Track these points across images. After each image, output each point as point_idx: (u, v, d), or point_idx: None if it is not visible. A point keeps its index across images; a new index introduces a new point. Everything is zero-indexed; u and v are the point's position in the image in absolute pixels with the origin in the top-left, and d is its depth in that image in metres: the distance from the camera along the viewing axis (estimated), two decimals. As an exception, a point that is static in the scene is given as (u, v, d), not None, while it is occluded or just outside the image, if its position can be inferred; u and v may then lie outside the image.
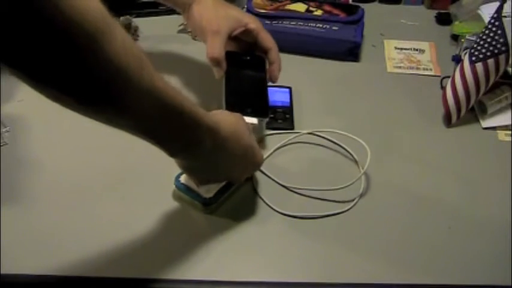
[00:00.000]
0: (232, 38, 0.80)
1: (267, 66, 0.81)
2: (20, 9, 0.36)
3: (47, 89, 0.44)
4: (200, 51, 0.93)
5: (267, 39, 0.81)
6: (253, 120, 0.75)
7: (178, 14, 1.04)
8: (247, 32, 0.80)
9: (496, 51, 0.81)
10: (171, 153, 0.59)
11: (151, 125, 0.53)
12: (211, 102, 0.85)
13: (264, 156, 0.78)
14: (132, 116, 0.50)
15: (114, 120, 0.51)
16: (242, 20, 0.80)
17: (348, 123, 0.83)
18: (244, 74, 0.80)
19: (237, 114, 0.67)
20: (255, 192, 0.73)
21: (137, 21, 0.98)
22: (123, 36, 0.44)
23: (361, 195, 0.74)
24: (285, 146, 0.80)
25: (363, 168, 0.74)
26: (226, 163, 0.65)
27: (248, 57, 0.82)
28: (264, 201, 0.72)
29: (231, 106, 0.74)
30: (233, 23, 0.79)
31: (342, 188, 0.73)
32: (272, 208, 0.71)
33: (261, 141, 0.80)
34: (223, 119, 0.62)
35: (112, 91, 0.45)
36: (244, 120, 0.68)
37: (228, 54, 0.78)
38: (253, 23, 0.80)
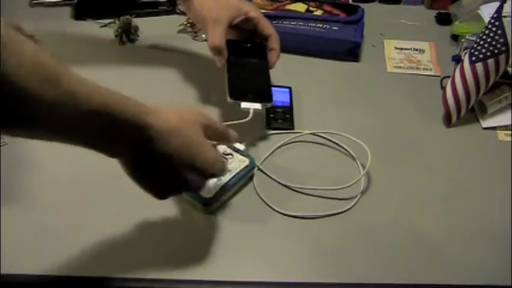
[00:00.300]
0: (232, 26, 0.80)
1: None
2: None
3: None
4: (200, 51, 0.93)
5: (267, 27, 0.82)
6: (257, 105, 0.76)
7: (178, 14, 1.04)
8: (248, 20, 0.81)
9: (496, 51, 0.81)
10: (111, 154, 0.56)
11: (82, 131, 0.51)
12: (211, 102, 0.85)
13: (264, 156, 0.78)
14: (58, 127, 0.49)
15: (37, 136, 0.51)
16: (242, 8, 0.80)
17: (348, 123, 0.83)
18: (246, 62, 0.81)
19: (190, 111, 0.61)
20: (255, 192, 0.73)
21: (137, 21, 0.98)
22: (31, 52, 0.44)
23: (361, 195, 0.74)
24: (284, 145, 0.80)
25: (364, 169, 0.74)
26: (165, 162, 0.57)
27: (249, 45, 0.82)
28: (264, 201, 0.72)
29: (234, 93, 0.76)
30: (233, 11, 0.79)
31: (343, 188, 0.73)
32: (272, 208, 0.71)
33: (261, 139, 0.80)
34: (161, 115, 0.56)
35: (22, 111, 0.45)
36: (198, 116, 0.61)
37: (229, 42, 0.79)
38: (253, 11, 0.81)
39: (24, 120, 0.46)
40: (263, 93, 0.78)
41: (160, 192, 0.61)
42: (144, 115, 0.54)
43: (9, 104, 0.44)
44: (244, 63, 0.80)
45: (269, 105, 0.78)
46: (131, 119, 0.53)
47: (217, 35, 0.77)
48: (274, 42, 0.81)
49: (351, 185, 0.73)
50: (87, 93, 0.49)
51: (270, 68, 0.82)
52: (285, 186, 0.74)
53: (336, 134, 0.81)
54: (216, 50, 0.77)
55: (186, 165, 0.58)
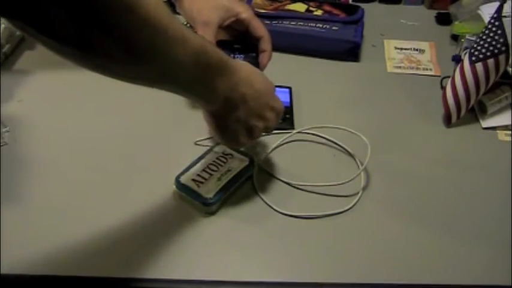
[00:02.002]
0: (223, 27, 0.80)
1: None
2: None
3: (90, 57, 0.46)
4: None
5: (259, 28, 0.81)
6: None
7: (178, 14, 1.04)
8: (239, 21, 0.80)
9: (496, 51, 0.81)
10: (208, 96, 0.59)
11: (188, 70, 0.53)
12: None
13: (263, 156, 0.78)
14: (171, 64, 0.51)
15: (148, 73, 0.51)
16: (233, 9, 0.79)
17: (348, 123, 0.83)
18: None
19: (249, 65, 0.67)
20: (255, 192, 0.73)
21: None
22: None
23: (361, 195, 0.74)
24: (284, 145, 0.81)
25: (363, 165, 0.74)
26: (247, 105, 0.63)
27: (239, 46, 0.82)
28: (264, 201, 0.72)
29: None
30: (223, 13, 0.79)
31: (342, 183, 0.73)
32: (272, 208, 0.71)
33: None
34: (240, 63, 0.63)
35: (143, 41, 0.46)
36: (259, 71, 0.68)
37: (219, 43, 0.78)
38: (244, 13, 0.80)
39: (148, 51, 0.48)
40: None
41: (239, 140, 0.66)
42: (231, 60, 0.59)
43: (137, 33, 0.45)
44: None
45: None
46: (222, 62, 0.57)
47: (208, 37, 0.76)
48: (265, 44, 0.81)
49: (349, 181, 0.73)
50: (192, 36, 0.52)
51: (261, 70, 0.81)
52: (286, 183, 0.75)
53: (336, 133, 0.81)
54: None
55: (265, 105, 0.65)
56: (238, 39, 0.83)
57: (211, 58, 0.56)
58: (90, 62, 0.47)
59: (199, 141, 0.77)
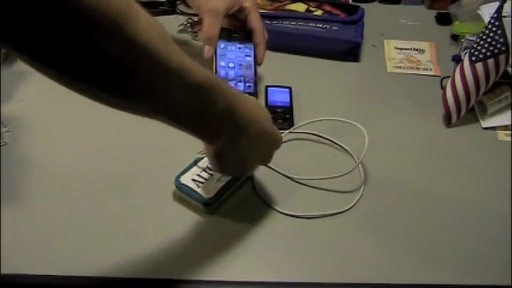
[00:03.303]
0: (228, 15, 0.81)
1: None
2: (44, 1, 0.36)
3: (74, 83, 0.44)
4: (200, 51, 0.93)
5: (254, 20, 0.82)
6: None
7: (178, 14, 1.04)
8: (241, 9, 0.82)
9: (496, 51, 0.81)
10: (210, 135, 0.57)
11: (186, 107, 0.51)
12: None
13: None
14: (161, 99, 0.48)
15: (144, 107, 0.49)
16: None
17: (348, 123, 0.83)
18: (234, 55, 0.82)
19: (253, 98, 0.66)
20: (255, 191, 0.73)
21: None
22: (146, 17, 0.44)
23: (361, 196, 0.74)
24: (284, 144, 0.80)
25: (359, 159, 0.74)
26: (249, 144, 0.62)
27: (237, 35, 0.84)
28: (264, 201, 0.72)
29: None
30: (231, 1, 0.80)
31: (340, 176, 0.73)
32: (272, 208, 0.71)
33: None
34: (247, 98, 0.61)
35: (140, 75, 0.45)
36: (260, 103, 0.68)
37: (222, 30, 0.80)
38: (247, 2, 0.82)
39: (143, 86, 0.46)
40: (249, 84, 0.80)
41: (239, 173, 0.69)
42: (239, 94, 0.57)
43: (132, 69, 0.43)
44: (232, 57, 0.81)
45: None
46: (231, 96, 0.55)
47: (213, 25, 0.78)
48: (258, 37, 0.82)
49: (347, 173, 0.73)
50: (194, 65, 0.49)
51: (259, 64, 0.82)
52: (287, 177, 0.75)
53: (336, 133, 0.81)
54: (209, 40, 0.78)
55: (272, 139, 0.65)
56: (238, 29, 0.84)
57: (215, 99, 0.53)
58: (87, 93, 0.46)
59: (200, 152, 0.75)
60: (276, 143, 0.67)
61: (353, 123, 0.77)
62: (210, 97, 0.52)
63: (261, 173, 0.75)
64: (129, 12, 0.42)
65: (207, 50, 0.80)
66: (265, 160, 0.69)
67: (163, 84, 0.47)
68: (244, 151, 0.62)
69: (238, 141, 0.59)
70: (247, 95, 0.63)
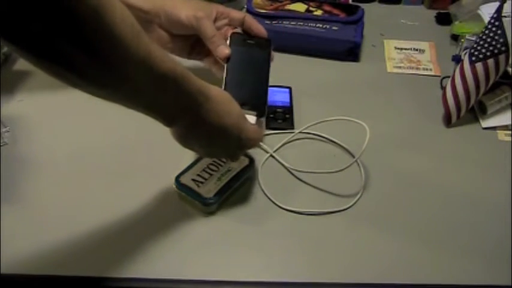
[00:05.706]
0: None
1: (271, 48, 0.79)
2: None
3: (50, 66, 0.45)
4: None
5: (235, 12, 0.78)
6: (251, 118, 0.71)
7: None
8: (219, 14, 0.78)
9: (496, 51, 0.81)
10: (168, 122, 0.58)
11: (149, 95, 0.52)
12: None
13: (264, 158, 0.78)
14: (131, 86, 0.50)
15: (114, 94, 0.51)
16: (210, 6, 0.77)
17: (348, 123, 0.83)
18: (246, 64, 0.76)
19: (225, 94, 0.64)
20: (255, 192, 0.73)
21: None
22: (121, 7, 0.45)
23: (361, 195, 0.74)
24: (284, 145, 0.81)
25: (359, 154, 0.74)
26: (207, 136, 0.62)
27: (253, 41, 0.78)
28: (264, 201, 0.72)
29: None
30: (208, 10, 0.76)
31: (338, 171, 0.73)
32: (272, 207, 0.71)
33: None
34: (215, 93, 0.60)
35: (113, 62, 0.46)
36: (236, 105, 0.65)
37: (234, 34, 0.76)
38: (221, 8, 0.78)
39: (115, 73, 0.47)
40: (258, 106, 0.73)
41: (205, 154, 0.69)
42: (206, 88, 0.58)
43: (107, 55, 0.45)
44: (244, 67, 0.76)
45: (262, 119, 0.74)
46: (195, 89, 0.56)
47: (212, 27, 0.75)
48: (247, 17, 0.78)
49: (346, 168, 0.73)
50: (161, 56, 0.51)
51: (255, 34, 0.78)
52: (290, 172, 0.75)
53: (336, 134, 0.81)
54: (226, 58, 0.75)
55: (234, 137, 0.63)
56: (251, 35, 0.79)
57: (178, 90, 0.54)
58: (48, 69, 0.46)
59: None
60: (241, 143, 0.65)
61: (354, 120, 0.77)
62: (172, 87, 0.53)
63: (261, 173, 0.75)
64: (107, 1, 0.43)
65: (222, 48, 0.75)
66: (231, 156, 0.68)
67: (134, 72, 0.48)
68: (203, 141, 0.62)
69: (195, 131, 0.60)
70: (219, 90, 0.62)
